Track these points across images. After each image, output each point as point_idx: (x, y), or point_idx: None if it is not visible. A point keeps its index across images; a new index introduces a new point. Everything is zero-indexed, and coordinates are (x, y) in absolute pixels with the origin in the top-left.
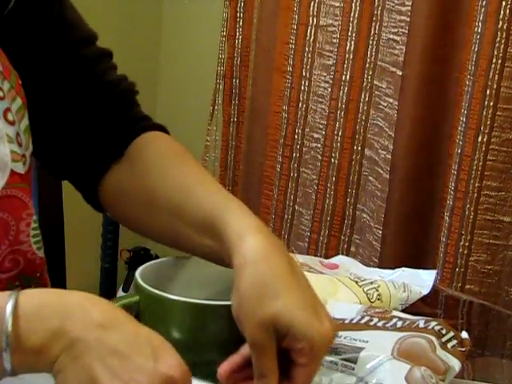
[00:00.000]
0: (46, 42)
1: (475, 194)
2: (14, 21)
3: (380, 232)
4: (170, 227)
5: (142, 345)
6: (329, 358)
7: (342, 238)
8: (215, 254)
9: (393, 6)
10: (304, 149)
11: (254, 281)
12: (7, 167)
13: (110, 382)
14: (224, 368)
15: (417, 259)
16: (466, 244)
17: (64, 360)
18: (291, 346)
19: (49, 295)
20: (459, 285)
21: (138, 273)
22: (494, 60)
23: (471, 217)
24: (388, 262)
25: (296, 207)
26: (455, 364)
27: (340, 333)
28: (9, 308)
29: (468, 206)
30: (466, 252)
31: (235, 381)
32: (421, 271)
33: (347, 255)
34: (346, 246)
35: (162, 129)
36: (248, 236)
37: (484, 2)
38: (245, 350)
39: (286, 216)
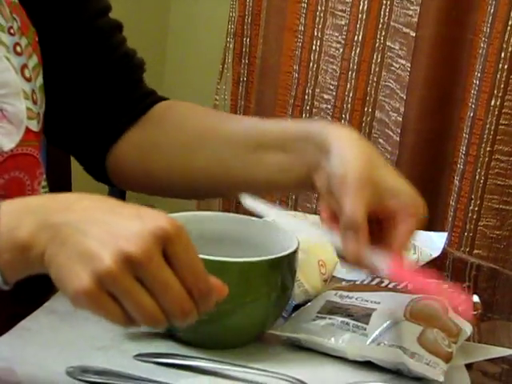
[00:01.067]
0: (64, 7)
1: (486, 159)
2: None
3: None
4: (219, 158)
5: (126, 210)
6: (340, 319)
7: None
8: (284, 166)
9: None
10: (314, 110)
11: (361, 151)
12: (23, 123)
13: (101, 249)
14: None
15: (425, 223)
16: (476, 209)
17: (52, 249)
18: (394, 205)
19: (30, 198)
20: (467, 249)
21: None
22: (511, 22)
23: (481, 181)
24: None
25: None
26: (467, 327)
27: (351, 294)
28: None
29: (479, 170)
30: (475, 217)
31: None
32: (432, 233)
33: None
34: None
35: None
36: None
37: None
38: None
39: None
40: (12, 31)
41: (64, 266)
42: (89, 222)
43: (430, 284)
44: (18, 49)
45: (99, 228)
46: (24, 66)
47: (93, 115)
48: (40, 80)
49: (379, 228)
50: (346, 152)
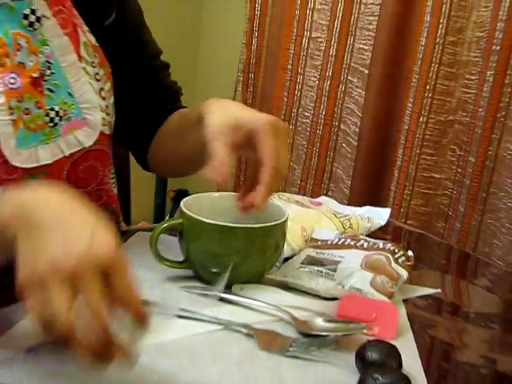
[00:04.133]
0: (130, 51)
1: (416, 158)
2: (109, 30)
3: (349, 182)
4: (195, 144)
5: (80, 219)
6: (316, 268)
7: (323, 186)
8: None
9: (363, 25)
10: (298, 123)
11: (219, 106)
12: (98, 128)
13: (49, 254)
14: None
15: (374, 202)
16: (409, 193)
17: (20, 236)
18: (253, 131)
19: (19, 191)
20: (403, 220)
21: (182, 203)
22: (433, 65)
23: (413, 174)
24: (354, 203)
25: (291, 164)
26: (404, 274)
27: (324, 250)
28: None
29: (411, 166)
30: (408, 198)
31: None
32: (380, 209)
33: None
34: (325, 191)
35: None
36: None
37: (427, 24)
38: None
39: None
40: (94, 64)
41: (22, 255)
42: (51, 225)
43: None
44: (98, 77)
45: (56, 234)
46: (101, 89)
47: (139, 123)
48: (112, 99)
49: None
50: (209, 111)
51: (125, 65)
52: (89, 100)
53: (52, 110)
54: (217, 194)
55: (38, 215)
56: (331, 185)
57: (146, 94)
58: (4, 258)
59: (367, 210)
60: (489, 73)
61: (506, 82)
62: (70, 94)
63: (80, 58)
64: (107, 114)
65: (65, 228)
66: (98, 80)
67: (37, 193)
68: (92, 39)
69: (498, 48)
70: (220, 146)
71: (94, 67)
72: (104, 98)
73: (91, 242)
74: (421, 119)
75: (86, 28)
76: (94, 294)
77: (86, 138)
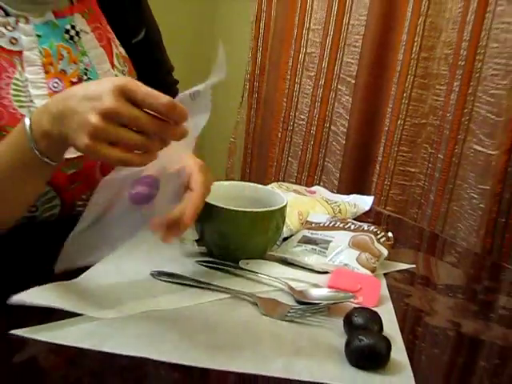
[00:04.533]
0: (149, 68)
1: (394, 154)
2: (136, 47)
3: (338, 174)
4: None
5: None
6: (310, 246)
7: (316, 177)
8: None
9: (350, 42)
10: (295, 124)
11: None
12: None
13: (88, 114)
14: None
15: (359, 191)
16: (388, 183)
17: (64, 128)
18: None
19: (47, 101)
20: (383, 207)
21: None
22: (409, 76)
23: (392, 168)
24: (342, 191)
25: (289, 159)
26: (384, 252)
27: (318, 232)
28: (27, 121)
29: (390, 161)
30: (387, 188)
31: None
32: (365, 196)
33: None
34: (318, 182)
35: None
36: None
37: (404, 42)
38: None
39: (282, 164)
40: (124, 72)
41: (72, 133)
42: (72, 104)
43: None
44: None
45: (81, 102)
46: None
47: None
48: None
49: None
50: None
51: (145, 80)
52: None
53: None
54: (227, 183)
55: (64, 104)
56: (323, 176)
57: None
58: (63, 151)
59: (354, 198)
60: (455, 84)
61: (470, 91)
62: None
63: (113, 66)
64: None
65: (84, 91)
66: None
67: (57, 97)
68: (122, 51)
69: (463, 63)
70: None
71: (124, 74)
72: None
73: (111, 83)
74: (398, 122)
75: (117, 42)
76: (136, 112)
77: None
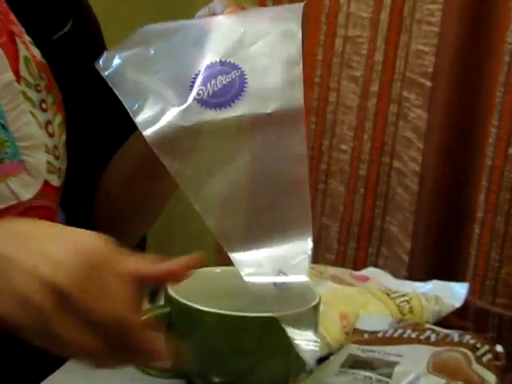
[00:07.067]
0: (84, 71)
1: (506, 206)
2: (61, 45)
3: (409, 244)
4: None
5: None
6: (363, 373)
7: (370, 250)
8: None
9: (422, 17)
10: (332, 161)
11: None
12: (41, 176)
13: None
14: None
15: (446, 272)
16: (497, 257)
17: None
18: None
19: None
20: (490, 298)
21: (168, 284)
22: None
23: (502, 229)
24: (417, 274)
25: (324, 219)
26: (491, 378)
27: (374, 347)
28: None
29: (498, 218)
30: (496, 265)
31: None
32: (453, 284)
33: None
34: (373, 258)
35: None
36: None
37: None
38: None
39: (313, 228)
40: (39, 88)
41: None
42: (21, 255)
43: None
44: (44, 105)
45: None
46: (48, 122)
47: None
48: (63, 137)
49: None
50: None
51: (82, 88)
52: (29, 136)
53: None
54: (218, 270)
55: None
56: (382, 248)
57: (107, 124)
58: None
59: (434, 286)
60: None
61: None
62: (2, 127)
63: (19, 77)
64: (55, 158)
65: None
66: (44, 110)
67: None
68: (37, 54)
69: None
70: None
71: (38, 92)
72: (52, 135)
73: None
74: (510, 150)
75: (27, 38)
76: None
77: (23, 188)
